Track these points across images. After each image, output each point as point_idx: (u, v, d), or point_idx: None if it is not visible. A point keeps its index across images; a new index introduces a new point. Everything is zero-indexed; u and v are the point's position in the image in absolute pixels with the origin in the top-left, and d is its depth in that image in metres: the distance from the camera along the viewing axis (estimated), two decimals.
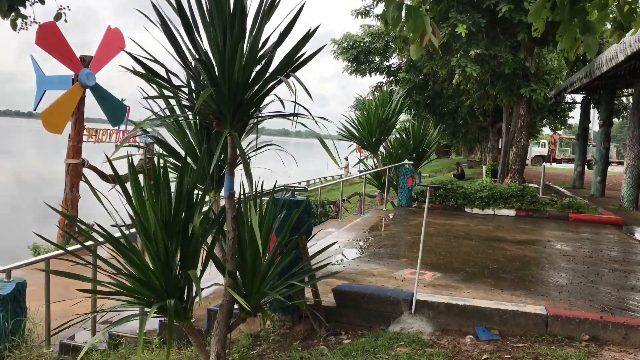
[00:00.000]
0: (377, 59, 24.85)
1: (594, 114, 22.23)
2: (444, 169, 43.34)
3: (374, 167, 13.62)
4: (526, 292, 5.24)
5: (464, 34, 12.19)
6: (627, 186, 13.27)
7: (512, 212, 11.23)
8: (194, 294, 3.50)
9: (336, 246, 7.47)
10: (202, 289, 3.39)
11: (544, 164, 19.96)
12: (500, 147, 22.86)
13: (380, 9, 21.82)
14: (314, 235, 5.16)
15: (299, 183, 33.81)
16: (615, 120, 21.50)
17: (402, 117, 27.23)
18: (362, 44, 24.23)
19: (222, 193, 3.79)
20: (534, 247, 7.80)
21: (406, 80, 23.68)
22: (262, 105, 3.75)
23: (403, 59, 23.34)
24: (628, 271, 6.39)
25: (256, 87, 3.57)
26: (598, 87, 17.11)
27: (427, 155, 13.72)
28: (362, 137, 12.70)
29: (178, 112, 4.07)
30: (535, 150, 41.31)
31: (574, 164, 20.56)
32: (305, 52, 3.50)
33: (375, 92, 12.99)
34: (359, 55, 24.08)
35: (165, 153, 4.10)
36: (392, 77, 25.21)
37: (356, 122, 12.82)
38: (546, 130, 36.82)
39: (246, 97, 3.58)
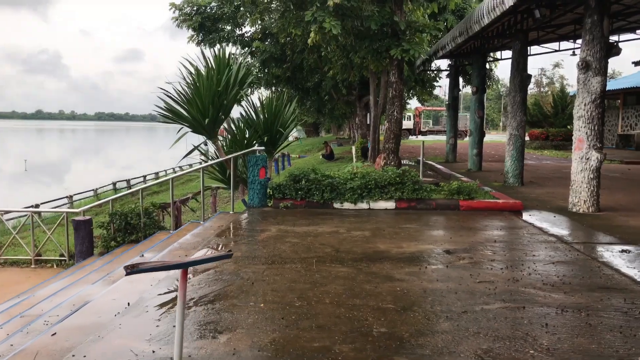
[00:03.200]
0: (227, 27, 21.52)
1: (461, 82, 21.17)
2: (314, 148, 41.55)
3: (213, 156, 10.43)
4: None
5: None
6: (512, 159, 11.64)
7: (391, 205, 8.84)
8: None
9: (110, 316, 4.14)
10: None
11: (417, 137, 18.37)
12: (369, 122, 20.92)
13: None
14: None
15: (144, 176, 29.00)
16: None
17: (263, 93, 24.27)
18: (207, 10, 20.71)
19: None
20: (431, 267, 5.29)
21: (261, 50, 20.72)
22: None
23: (256, 26, 20.32)
24: (580, 308, 4.06)
25: None
26: (468, 52, 15.54)
27: (284, 136, 10.78)
28: (192, 117, 9.35)
29: None
30: None
31: (446, 135, 19.17)
32: None
33: (208, 56, 9.69)
34: (204, 22, 20.52)
35: None
36: (247, 48, 22.01)
37: (182, 96, 9.39)
38: (413, 103, 36.21)
39: None
